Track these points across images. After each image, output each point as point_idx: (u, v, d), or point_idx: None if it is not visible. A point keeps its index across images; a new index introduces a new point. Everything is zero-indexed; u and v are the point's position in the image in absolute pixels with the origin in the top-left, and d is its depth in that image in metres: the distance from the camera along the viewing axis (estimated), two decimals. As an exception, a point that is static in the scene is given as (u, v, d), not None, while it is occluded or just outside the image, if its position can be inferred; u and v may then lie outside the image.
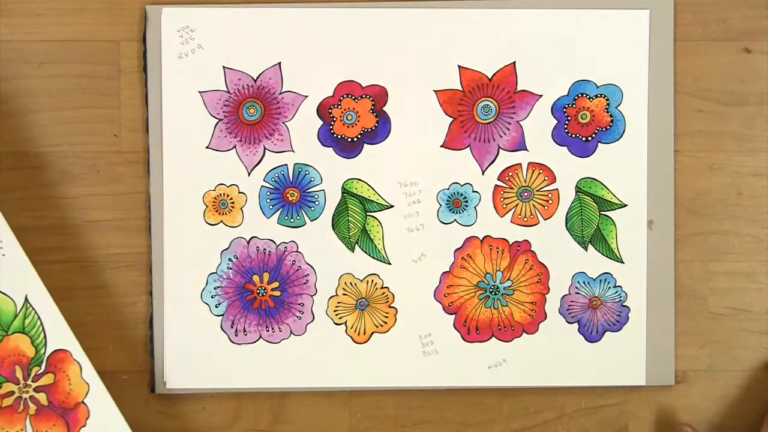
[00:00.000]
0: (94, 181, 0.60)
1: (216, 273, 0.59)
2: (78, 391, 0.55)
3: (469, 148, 0.60)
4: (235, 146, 0.59)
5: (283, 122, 0.59)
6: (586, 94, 0.59)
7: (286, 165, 0.59)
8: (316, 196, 0.59)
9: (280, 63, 0.59)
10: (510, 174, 0.60)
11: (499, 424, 0.61)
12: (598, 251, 0.60)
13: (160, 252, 0.59)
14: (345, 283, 0.60)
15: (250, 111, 0.59)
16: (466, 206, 0.60)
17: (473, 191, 0.60)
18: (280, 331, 0.60)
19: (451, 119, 0.59)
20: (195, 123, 0.59)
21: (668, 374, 0.60)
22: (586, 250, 0.60)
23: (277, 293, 0.59)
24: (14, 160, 0.59)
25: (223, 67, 0.59)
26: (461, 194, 0.60)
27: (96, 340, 0.60)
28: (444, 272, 0.60)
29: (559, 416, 0.61)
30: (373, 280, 0.60)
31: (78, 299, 0.60)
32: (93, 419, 0.55)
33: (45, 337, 0.55)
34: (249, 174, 0.59)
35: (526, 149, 0.60)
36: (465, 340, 0.60)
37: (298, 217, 0.59)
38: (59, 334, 0.55)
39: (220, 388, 0.60)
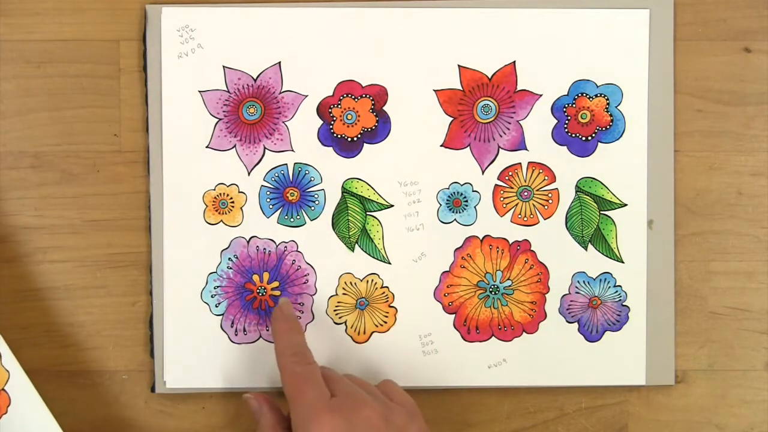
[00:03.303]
0: (94, 181, 0.60)
1: (216, 272, 0.59)
2: None
3: (469, 147, 0.59)
4: (235, 146, 0.59)
5: (283, 122, 0.59)
6: (586, 94, 0.59)
7: (286, 164, 0.59)
8: (316, 196, 0.59)
9: (280, 63, 0.59)
10: (510, 173, 0.60)
11: (499, 424, 0.61)
12: (598, 251, 0.60)
13: (160, 252, 0.59)
14: (345, 283, 0.60)
15: (250, 110, 0.59)
16: (466, 206, 0.60)
17: (473, 191, 0.60)
18: (280, 330, 0.59)
19: (451, 119, 0.59)
20: (195, 122, 0.59)
21: (668, 374, 0.60)
22: (586, 249, 0.60)
23: (277, 293, 0.59)
24: (14, 160, 0.59)
25: (223, 67, 0.59)
26: (461, 194, 0.60)
27: (96, 340, 0.60)
28: (444, 272, 0.60)
29: (559, 416, 0.61)
30: (372, 280, 0.60)
31: (78, 299, 0.60)
32: (14, 406, 0.54)
33: None
34: (249, 173, 0.59)
35: (526, 149, 0.60)
36: (465, 340, 0.60)
37: (298, 217, 0.59)
38: None
39: (220, 387, 0.60)
